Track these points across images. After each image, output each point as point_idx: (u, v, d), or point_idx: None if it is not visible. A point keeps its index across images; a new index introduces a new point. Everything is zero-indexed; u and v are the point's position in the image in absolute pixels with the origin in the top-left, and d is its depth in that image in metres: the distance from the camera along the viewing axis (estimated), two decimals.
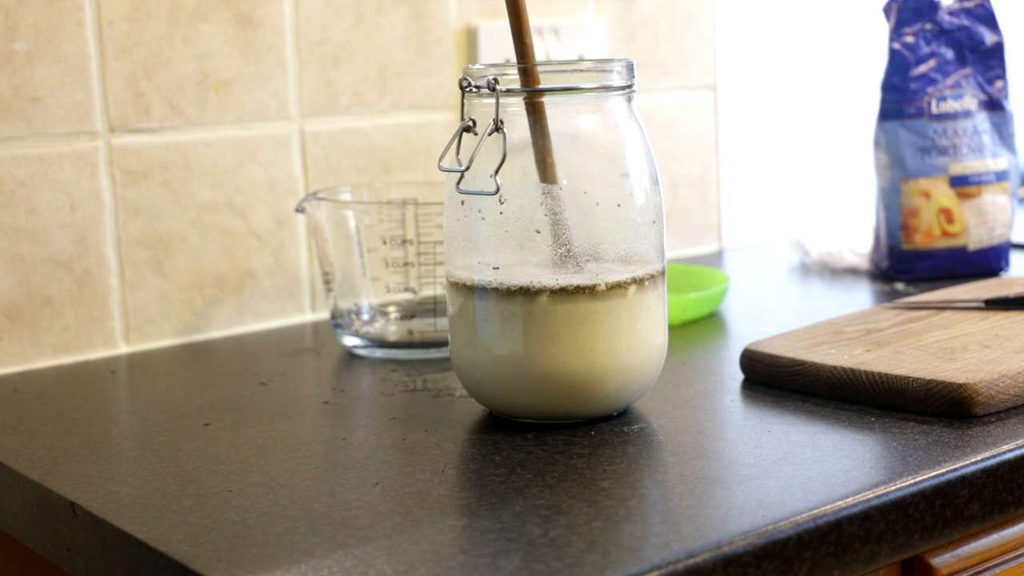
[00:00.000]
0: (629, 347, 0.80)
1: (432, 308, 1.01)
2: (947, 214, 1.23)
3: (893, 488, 0.69)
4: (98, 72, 1.04)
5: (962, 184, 1.23)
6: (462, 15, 1.22)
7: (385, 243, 1.01)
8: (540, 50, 1.26)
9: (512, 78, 0.80)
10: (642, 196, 0.82)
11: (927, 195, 1.23)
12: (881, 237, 1.26)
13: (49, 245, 1.03)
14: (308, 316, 1.16)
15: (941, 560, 0.75)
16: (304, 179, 1.15)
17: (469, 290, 0.81)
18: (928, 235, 1.23)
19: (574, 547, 0.62)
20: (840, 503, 0.67)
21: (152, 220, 1.07)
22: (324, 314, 1.17)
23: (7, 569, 0.88)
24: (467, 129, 0.81)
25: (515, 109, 0.80)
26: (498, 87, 0.79)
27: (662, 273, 0.83)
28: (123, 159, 1.05)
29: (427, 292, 1.01)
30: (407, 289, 1.02)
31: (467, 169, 0.80)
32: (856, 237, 1.34)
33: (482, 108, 0.81)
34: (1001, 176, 1.24)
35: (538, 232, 0.80)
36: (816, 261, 1.32)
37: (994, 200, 1.24)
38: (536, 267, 0.80)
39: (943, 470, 0.71)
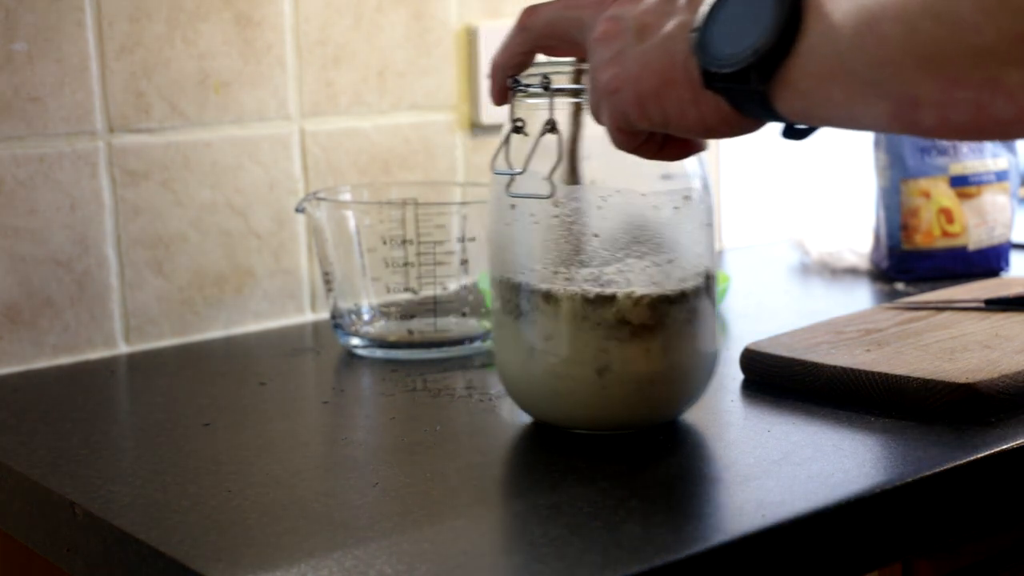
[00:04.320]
0: (683, 355, 0.78)
1: (432, 308, 1.01)
2: (947, 214, 1.23)
3: (893, 488, 0.69)
4: (98, 72, 1.04)
5: (962, 184, 1.23)
6: (462, 15, 1.22)
7: (385, 243, 1.01)
8: None
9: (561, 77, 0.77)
10: (696, 199, 0.78)
11: (927, 195, 1.23)
12: (881, 237, 1.26)
13: (49, 245, 1.02)
14: (308, 316, 1.16)
15: (941, 560, 0.75)
16: (304, 179, 1.14)
17: (516, 294, 0.78)
18: (928, 235, 1.23)
19: (574, 547, 0.62)
20: (840, 503, 0.67)
21: (152, 220, 1.07)
22: (324, 314, 1.16)
23: (7, 569, 0.88)
24: (516, 130, 0.78)
25: (560, 111, 0.76)
26: (551, 86, 0.76)
27: (713, 278, 0.80)
28: (123, 159, 1.05)
29: (427, 292, 1.01)
30: (407, 289, 1.01)
31: (522, 172, 0.76)
32: (856, 237, 1.34)
33: (527, 108, 0.77)
34: (1001, 176, 1.24)
35: (596, 236, 0.77)
36: (816, 261, 1.32)
37: (994, 200, 1.24)
38: (586, 272, 0.77)
39: (943, 470, 0.71)
